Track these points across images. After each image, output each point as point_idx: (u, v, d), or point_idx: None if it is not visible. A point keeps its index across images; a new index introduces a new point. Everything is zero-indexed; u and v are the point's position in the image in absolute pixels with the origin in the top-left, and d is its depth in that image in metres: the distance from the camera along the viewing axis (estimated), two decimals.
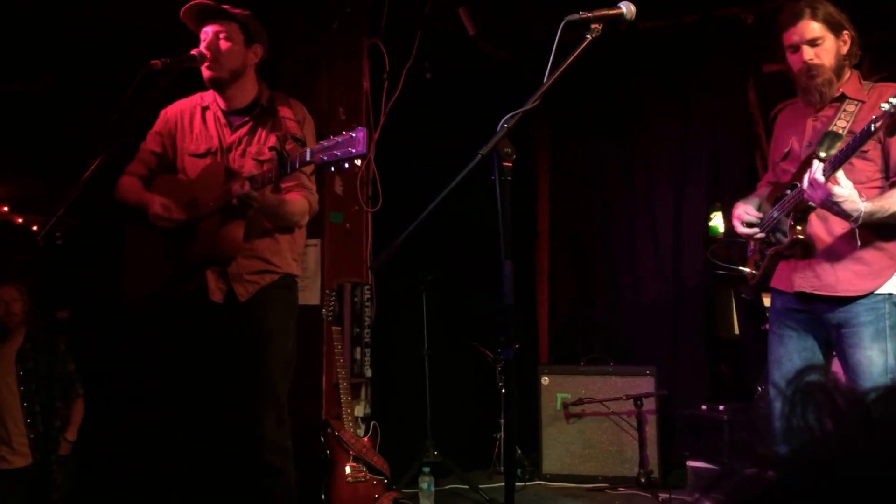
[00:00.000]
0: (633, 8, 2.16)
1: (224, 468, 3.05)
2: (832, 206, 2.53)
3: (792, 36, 2.76)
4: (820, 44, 2.73)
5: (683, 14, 5.03)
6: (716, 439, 4.41)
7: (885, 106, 2.35)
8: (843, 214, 2.54)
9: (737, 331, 5.34)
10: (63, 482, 3.64)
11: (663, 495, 4.44)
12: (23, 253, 3.67)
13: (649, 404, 4.78)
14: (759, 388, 4.70)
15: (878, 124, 2.38)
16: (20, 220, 3.76)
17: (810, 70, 2.74)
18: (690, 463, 4.49)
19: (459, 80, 5.10)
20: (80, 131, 3.47)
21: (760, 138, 5.22)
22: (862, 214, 2.52)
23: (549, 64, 2.08)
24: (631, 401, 4.75)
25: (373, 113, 4.70)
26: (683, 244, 5.41)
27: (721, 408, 4.51)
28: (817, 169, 2.51)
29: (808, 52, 2.73)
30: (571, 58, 2.09)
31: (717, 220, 5.49)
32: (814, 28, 2.72)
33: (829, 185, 2.48)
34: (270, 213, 2.90)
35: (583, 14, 2.12)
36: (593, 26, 2.12)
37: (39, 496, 3.54)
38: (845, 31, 2.76)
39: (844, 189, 2.48)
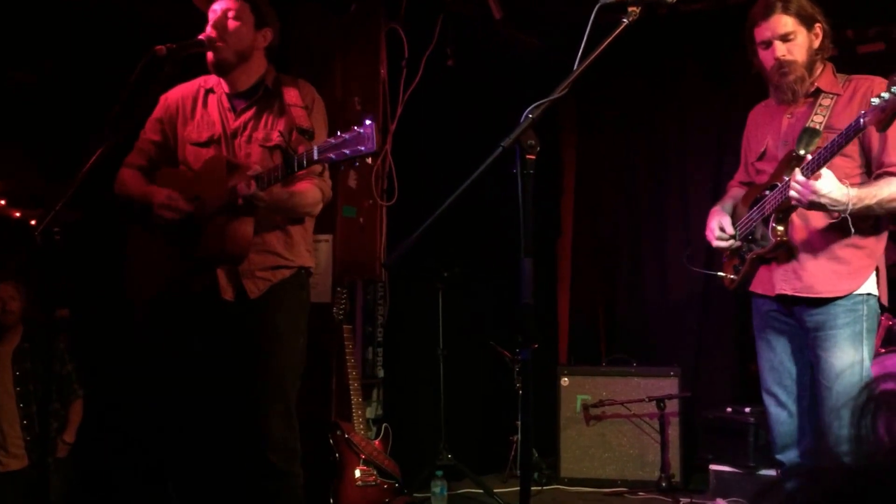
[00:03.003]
0: None
1: (230, 470, 2.98)
2: (820, 205, 2.48)
3: (764, 31, 2.72)
4: (792, 39, 2.69)
5: None
6: (741, 443, 4.29)
7: (876, 101, 2.29)
8: (833, 204, 2.48)
9: None
10: (60, 485, 3.58)
11: (684, 500, 4.35)
12: (20, 249, 3.59)
13: (672, 406, 4.67)
14: None
15: (867, 119, 2.33)
16: (17, 215, 3.69)
17: (782, 67, 2.70)
18: (713, 466, 4.37)
19: (483, 67, 4.97)
20: (80, 121, 3.39)
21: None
22: (851, 199, 2.47)
23: (581, 50, 1.97)
24: (653, 403, 4.64)
25: (390, 102, 4.57)
26: None
27: (747, 410, 4.38)
28: (796, 171, 2.49)
29: (780, 49, 2.69)
30: (605, 44, 1.97)
31: None
32: (786, 23, 2.68)
33: (812, 181, 2.44)
34: (280, 209, 2.80)
35: None
36: (631, 9, 2.00)
37: (36, 500, 3.48)
38: (817, 25, 2.71)
39: (827, 180, 2.44)
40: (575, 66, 1.98)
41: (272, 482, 2.84)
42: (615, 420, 4.76)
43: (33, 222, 3.56)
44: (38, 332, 3.59)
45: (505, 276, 4.52)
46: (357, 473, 3.85)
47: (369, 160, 2.45)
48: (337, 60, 4.39)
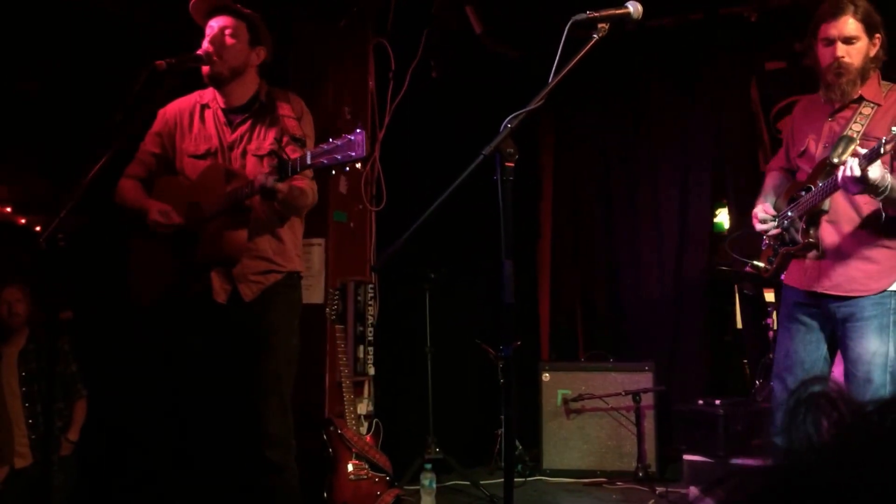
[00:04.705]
0: (640, 7, 2.14)
1: (227, 466, 3.05)
2: (865, 190, 2.54)
3: (830, 29, 2.74)
4: (854, 43, 2.72)
5: (690, 12, 5.06)
6: (712, 433, 4.43)
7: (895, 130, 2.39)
8: (874, 191, 2.54)
9: (739, 325, 5.41)
10: (64, 482, 3.62)
11: (660, 489, 4.47)
12: (26, 254, 3.64)
13: (647, 399, 4.81)
14: (758, 382, 4.75)
15: (888, 147, 2.42)
16: (23, 221, 3.74)
17: (840, 68, 2.74)
18: (687, 456, 4.51)
19: (465, 79, 5.07)
20: (84, 131, 3.43)
21: (763, 136, 5.26)
22: (889, 184, 2.52)
23: (555, 63, 2.05)
24: (629, 396, 4.78)
25: (378, 112, 4.67)
26: (688, 241, 5.43)
27: (717, 402, 4.53)
28: (851, 166, 2.50)
29: (840, 49, 2.72)
30: (577, 58, 2.07)
31: (722, 217, 5.50)
32: (852, 26, 2.72)
33: (866, 172, 2.48)
34: (290, 204, 2.84)
35: (590, 13, 2.10)
36: (600, 26, 2.09)
37: (40, 497, 3.48)
38: (878, 35, 2.76)
39: (876, 168, 2.49)
40: (550, 79, 2.05)
41: (269, 477, 2.90)
42: (594, 413, 4.90)
43: (38, 229, 3.62)
44: (43, 333, 3.63)
45: (488, 278, 4.66)
46: (349, 468, 3.91)
47: (359, 165, 2.52)
48: (329, 73, 4.47)
